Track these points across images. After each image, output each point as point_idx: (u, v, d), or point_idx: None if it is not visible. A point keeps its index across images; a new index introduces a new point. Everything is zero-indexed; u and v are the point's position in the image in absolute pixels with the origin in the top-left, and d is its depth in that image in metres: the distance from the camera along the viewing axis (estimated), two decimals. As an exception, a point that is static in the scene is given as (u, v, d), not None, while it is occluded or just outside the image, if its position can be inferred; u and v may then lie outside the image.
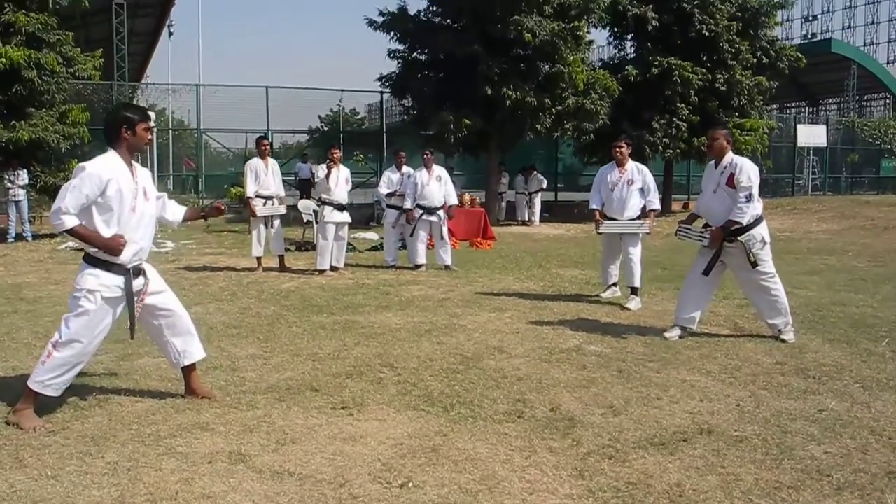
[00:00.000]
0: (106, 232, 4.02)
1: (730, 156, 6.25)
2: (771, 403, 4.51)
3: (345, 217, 10.28)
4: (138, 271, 4.19)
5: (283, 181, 11.00)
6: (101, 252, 4.04)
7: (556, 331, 6.58)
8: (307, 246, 13.31)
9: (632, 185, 8.15)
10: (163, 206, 4.55)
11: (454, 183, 12.93)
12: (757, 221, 6.16)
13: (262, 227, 10.45)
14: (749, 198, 6.01)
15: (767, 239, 6.24)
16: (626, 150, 8.27)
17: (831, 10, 59.23)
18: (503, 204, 21.86)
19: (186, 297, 8.14)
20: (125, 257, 4.07)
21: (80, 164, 4.06)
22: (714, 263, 6.24)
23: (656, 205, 8.25)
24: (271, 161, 10.61)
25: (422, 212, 10.86)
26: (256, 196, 10.35)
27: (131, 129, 4.12)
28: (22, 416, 4.02)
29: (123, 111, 4.20)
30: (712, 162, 6.42)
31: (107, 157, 4.10)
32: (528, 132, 19.16)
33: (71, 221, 3.93)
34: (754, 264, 6.09)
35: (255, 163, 10.48)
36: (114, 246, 4.00)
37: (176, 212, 4.63)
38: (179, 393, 4.58)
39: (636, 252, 8.18)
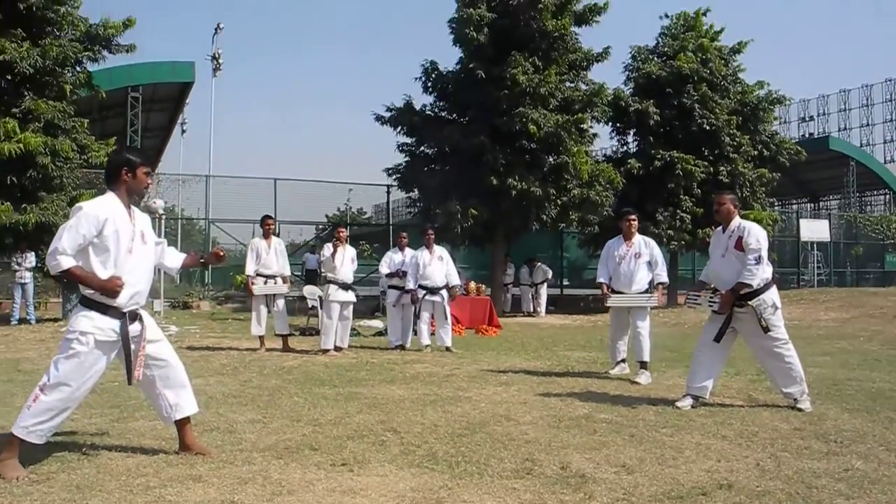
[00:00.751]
0: (103, 273, 3.93)
1: (737, 220, 6.22)
2: (792, 463, 4.29)
3: (350, 296, 10.18)
4: (134, 316, 4.07)
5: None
6: (98, 294, 3.93)
7: (565, 401, 6.37)
8: (311, 331, 13.13)
9: (639, 258, 8.09)
10: (162, 252, 4.47)
11: (459, 274, 12.93)
12: (767, 286, 6.06)
13: (262, 306, 10.34)
14: (758, 260, 5.92)
15: (778, 304, 6.12)
16: (636, 223, 8.27)
17: (826, 112, 60.80)
18: (509, 295, 21.70)
19: (186, 372, 7.99)
20: (122, 300, 3.96)
21: (77, 204, 4.01)
22: (725, 329, 6.10)
23: (664, 277, 8.12)
24: (275, 240, 10.58)
25: (424, 292, 10.77)
26: (257, 275, 10.30)
27: (132, 171, 4.09)
28: (4, 466, 3.82)
29: (125, 153, 4.18)
30: (720, 228, 6.37)
31: (105, 199, 4.05)
32: (534, 222, 19.22)
33: (67, 262, 3.84)
34: (766, 329, 5.95)
35: (258, 242, 10.47)
36: (111, 287, 3.90)
37: (175, 258, 4.56)
38: (174, 450, 4.38)
39: (645, 326, 8.03)
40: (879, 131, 59.14)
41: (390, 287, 11.42)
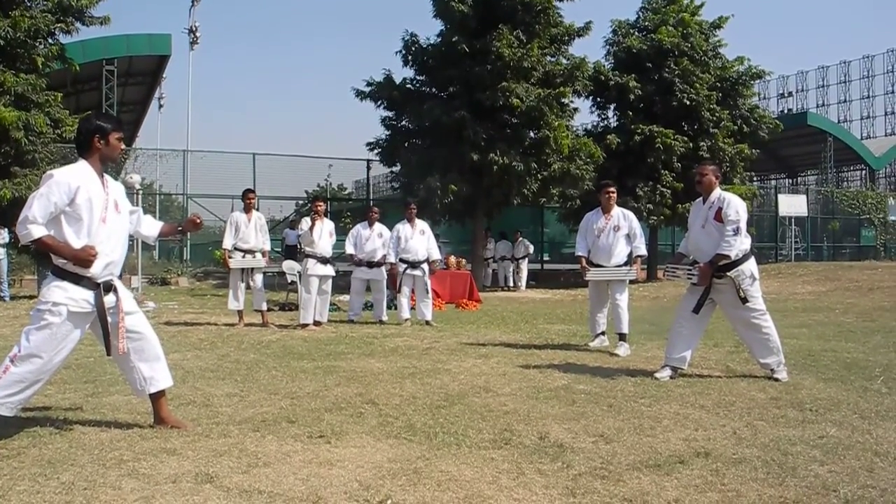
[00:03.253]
0: (76, 243, 3.82)
1: (718, 191, 6.20)
2: (769, 431, 4.31)
3: (328, 270, 10.11)
4: (109, 287, 3.98)
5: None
6: (71, 264, 3.84)
7: (544, 372, 6.37)
8: (291, 307, 13.06)
9: (618, 231, 8.07)
10: (138, 220, 4.37)
11: (440, 248, 12.88)
12: (746, 257, 6.06)
13: (239, 281, 10.23)
14: (737, 231, 5.92)
15: (756, 275, 6.13)
16: (615, 195, 8.24)
17: (805, 88, 60.94)
18: (489, 270, 21.74)
19: (163, 347, 7.90)
20: (95, 270, 3.87)
21: (49, 171, 3.89)
22: (703, 301, 6.11)
23: (643, 250, 8.14)
24: (256, 215, 10.44)
25: (405, 266, 10.71)
26: (235, 249, 10.18)
27: (104, 138, 3.97)
28: (-26, 439, 3.75)
29: (96, 120, 4.04)
30: (699, 199, 6.36)
31: (77, 166, 3.93)
32: (515, 197, 19.19)
33: (38, 231, 3.73)
34: (744, 300, 5.96)
35: (238, 216, 10.34)
36: (84, 257, 3.80)
37: (152, 227, 4.46)
38: (148, 424, 4.32)
39: (623, 298, 8.03)
40: (856, 107, 59.49)
41: (355, 262, 11.35)
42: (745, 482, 3.33)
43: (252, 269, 10.23)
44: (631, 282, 8.28)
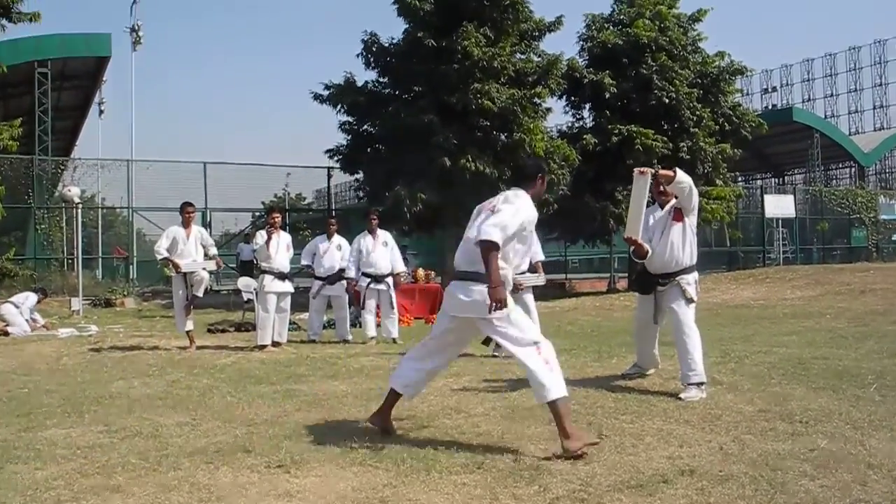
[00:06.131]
0: None
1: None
2: (757, 446, 4.36)
3: (287, 287, 10.06)
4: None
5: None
6: None
7: (520, 391, 6.35)
8: (247, 327, 12.96)
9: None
10: None
11: (407, 261, 12.90)
12: (692, 268, 6.29)
13: (180, 292, 10.05)
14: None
15: (698, 290, 6.33)
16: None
17: (790, 82, 62.06)
18: (461, 282, 21.72)
19: (107, 374, 7.85)
20: None
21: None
22: (658, 310, 6.34)
23: (542, 255, 8.78)
24: (196, 229, 10.26)
25: (369, 280, 10.70)
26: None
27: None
28: None
29: None
30: (654, 206, 6.46)
31: None
32: (488, 205, 19.20)
33: None
34: (691, 300, 6.17)
35: (176, 230, 10.08)
36: None
37: None
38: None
39: (534, 305, 8.52)
40: (843, 101, 60.56)
41: (315, 277, 11.33)
42: (733, 500, 3.37)
43: (195, 284, 10.03)
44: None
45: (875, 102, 58.87)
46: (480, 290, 4.46)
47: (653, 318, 6.43)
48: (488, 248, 4.40)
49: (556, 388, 4.37)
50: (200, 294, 10.13)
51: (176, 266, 9.85)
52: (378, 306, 10.86)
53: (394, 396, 4.92)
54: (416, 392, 5.02)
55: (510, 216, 4.53)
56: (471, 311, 4.57)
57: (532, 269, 8.63)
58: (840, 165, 46.93)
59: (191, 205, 10.38)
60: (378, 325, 10.92)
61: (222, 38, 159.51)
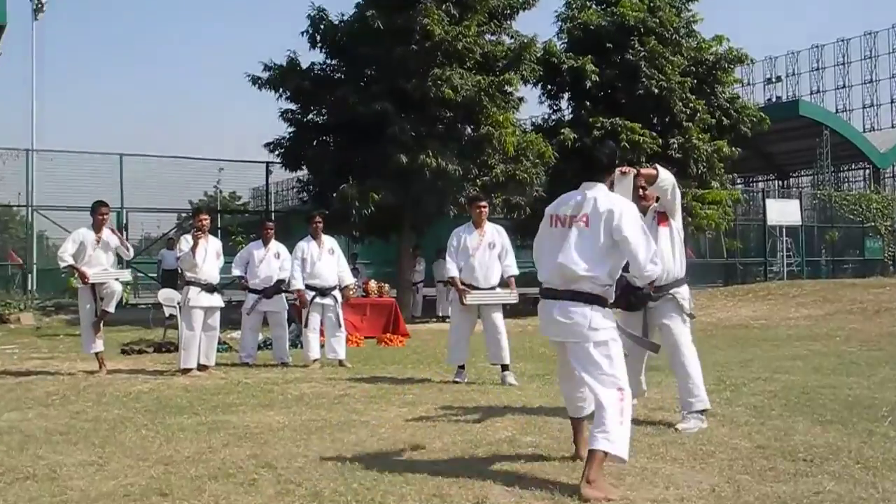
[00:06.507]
0: None
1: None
2: (754, 488, 4.41)
3: (215, 301, 10.00)
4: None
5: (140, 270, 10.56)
6: None
7: (484, 422, 6.41)
8: (169, 347, 12.83)
9: (493, 248, 8.89)
10: None
11: (355, 270, 12.88)
12: (683, 280, 6.41)
13: (88, 306, 9.91)
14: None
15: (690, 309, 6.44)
16: (486, 209, 9.11)
17: (797, 72, 62.77)
18: (419, 297, 21.78)
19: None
20: None
21: None
22: (647, 330, 6.39)
23: (515, 269, 9.05)
24: (107, 233, 10.13)
25: (313, 294, 10.66)
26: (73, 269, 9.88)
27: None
28: None
29: None
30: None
31: None
32: (451, 207, 19.20)
33: None
34: (690, 316, 6.35)
35: (84, 233, 9.94)
36: None
37: None
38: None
39: (503, 324, 8.88)
40: (857, 94, 61.08)
41: (249, 290, 11.28)
42: (725, 550, 3.39)
43: (105, 297, 9.89)
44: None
45: (893, 95, 58.86)
46: (582, 312, 4.64)
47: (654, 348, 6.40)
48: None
49: (619, 445, 4.45)
50: (111, 309, 10.01)
51: (83, 276, 9.72)
52: (323, 324, 10.82)
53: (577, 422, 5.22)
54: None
55: (640, 231, 4.73)
56: (569, 334, 4.74)
57: (503, 283, 8.94)
58: (853, 166, 47.58)
59: (104, 204, 10.25)
60: (323, 346, 10.89)
61: (144, 6, 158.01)
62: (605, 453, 4.38)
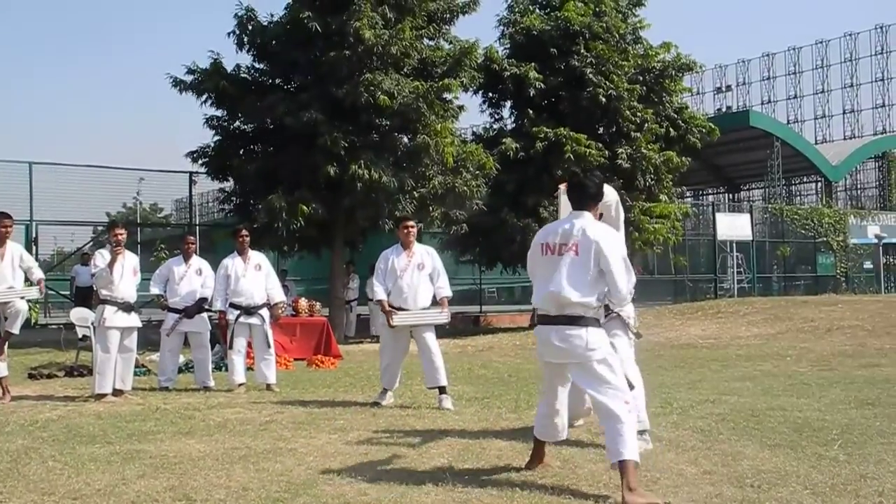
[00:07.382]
0: None
1: None
2: (698, 515, 4.47)
3: (133, 321, 9.88)
4: None
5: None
6: None
7: (419, 449, 6.42)
8: (82, 370, 12.60)
9: (422, 269, 9.10)
10: None
11: (285, 288, 12.81)
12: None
13: None
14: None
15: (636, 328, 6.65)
16: (414, 230, 9.36)
17: (747, 81, 64.14)
18: (353, 316, 21.72)
19: None
20: None
21: None
22: None
23: (448, 291, 9.30)
24: (12, 247, 9.88)
25: (238, 313, 10.58)
26: None
27: None
28: None
29: None
30: None
31: None
32: (386, 220, 19.16)
33: None
34: (639, 335, 6.60)
35: None
36: None
37: None
38: None
39: (437, 345, 9.05)
40: (809, 104, 62.38)
41: (168, 309, 11.13)
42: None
43: (10, 317, 9.67)
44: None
45: (845, 106, 60.41)
46: (579, 334, 5.22)
47: None
48: None
49: (636, 451, 5.02)
50: (15, 330, 9.79)
51: None
52: (250, 345, 10.75)
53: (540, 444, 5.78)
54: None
55: (622, 263, 5.29)
56: (569, 356, 5.32)
57: (435, 303, 9.11)
58: (804, 180, 48.64)
59: (7, 216, 10.02)
60: (250, 369, 10.80)
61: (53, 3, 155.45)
62: (626, 461, 4.90)
